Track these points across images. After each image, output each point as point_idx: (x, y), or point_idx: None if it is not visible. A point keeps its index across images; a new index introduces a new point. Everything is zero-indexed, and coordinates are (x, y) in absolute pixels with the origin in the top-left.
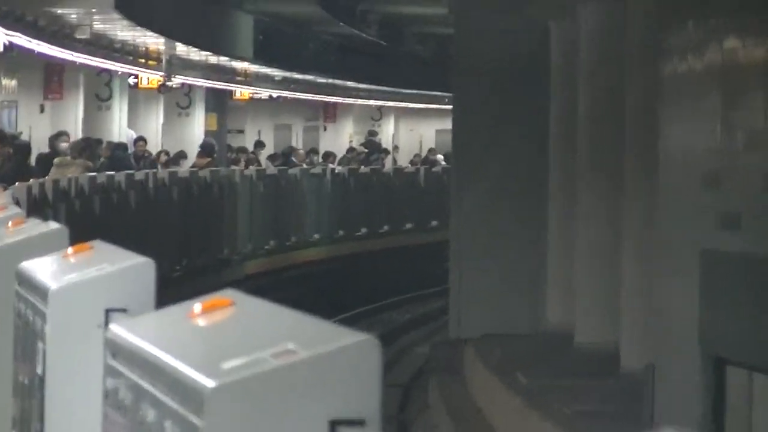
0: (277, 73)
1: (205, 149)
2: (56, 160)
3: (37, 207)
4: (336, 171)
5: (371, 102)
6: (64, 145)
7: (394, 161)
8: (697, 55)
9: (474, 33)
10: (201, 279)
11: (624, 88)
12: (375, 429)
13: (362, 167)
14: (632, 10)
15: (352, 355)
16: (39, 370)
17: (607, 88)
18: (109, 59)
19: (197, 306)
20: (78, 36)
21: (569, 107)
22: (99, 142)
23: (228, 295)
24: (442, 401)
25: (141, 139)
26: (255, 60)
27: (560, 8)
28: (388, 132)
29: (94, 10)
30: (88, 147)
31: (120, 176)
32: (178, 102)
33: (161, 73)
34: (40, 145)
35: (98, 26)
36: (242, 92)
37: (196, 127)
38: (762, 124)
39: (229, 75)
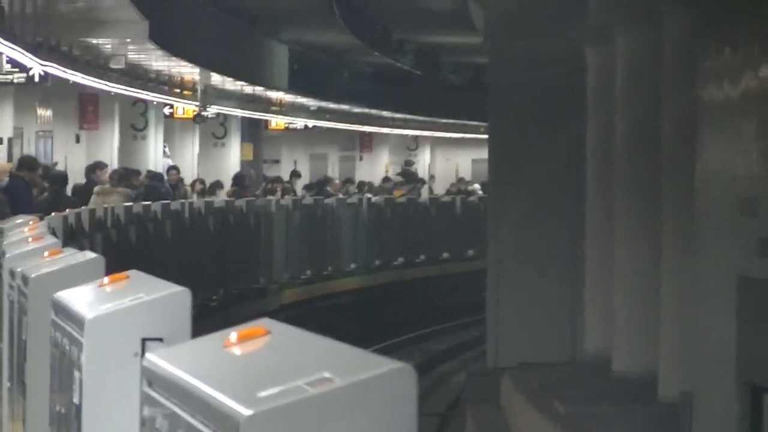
0: (312, 102)
1: (234, 179)
2: (97, 189)
3: (73, 237)
4: (372, 200)
5: (407, 131)
6: (104, 177)
7: (431, 191)
8: (733, 80)
9: (509, 61)
10: (237, 308)
11: (661, 114)
12: None
13: (398, 198)
14: (669, 36)
15: (388, 383)
16: (76, 399)
17: (643, 114)
18: (143, 89)
19: (233, 335)
20: (113, 66)
21: (606, 133)
22: (136, 172)
23: (264, 323)
24: (479, 430)
25: (173, 168)
26: (290, 89)
27: (596, 34)
28: (424, 161)
29: (128, 39)
30: (128, 175)
31: (156, 206)
32: (214, 132)
33: (196, 103)
34: (75, 175)
35: (133, 56)
36: (277, 122)
37: (232, 156)
38: None
39: (265, 105)
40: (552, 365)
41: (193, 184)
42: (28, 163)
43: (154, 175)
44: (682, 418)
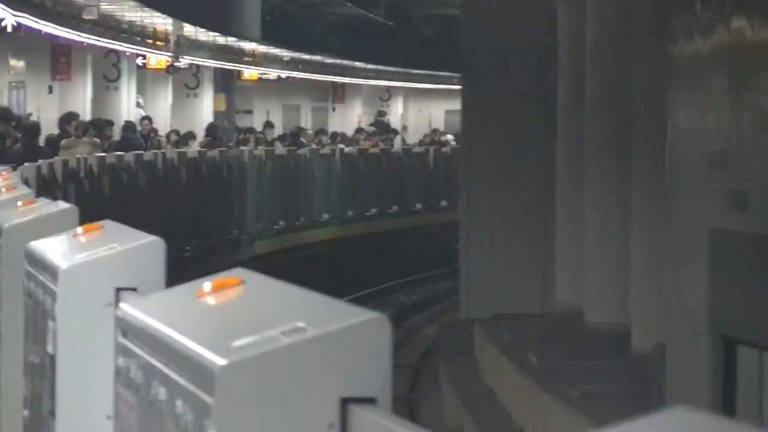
0: (285, 53)
1: (207, 130)
2: (62, 142)
3: (46, 187)
4: (345, 151)
5: (380, 82)
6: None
7: (403, 141)
8: (704, 36)
9: (481, 13)
10: (210, 259)
11: (631, 70)
12: (386, 407)
13: (370, 149)
14: None
15: (362, 333)
16: (50, 349)
17: (614, 70)
18: (116, 40)
19: (207, 285)
20: (85, 17)
21: (576, 89)
22: (109, 122)
23: (238, 273)
24: (452, 382)
25: (146, 118)
26: (263, 40)
27: None
28: (397, 112)
29: None
30: (99, 126)
31: (129, 156)
32: (187, 83)
33: (169, 54)
34: (49, 127)
35: (105, 7)
36: (250, 73)
37: (205, 107)
38: None
39: (238, 55)
40: (524, 317)
41: (168, 135)
42: (2, 114)
43: (127, 126)
44: (655, 371)
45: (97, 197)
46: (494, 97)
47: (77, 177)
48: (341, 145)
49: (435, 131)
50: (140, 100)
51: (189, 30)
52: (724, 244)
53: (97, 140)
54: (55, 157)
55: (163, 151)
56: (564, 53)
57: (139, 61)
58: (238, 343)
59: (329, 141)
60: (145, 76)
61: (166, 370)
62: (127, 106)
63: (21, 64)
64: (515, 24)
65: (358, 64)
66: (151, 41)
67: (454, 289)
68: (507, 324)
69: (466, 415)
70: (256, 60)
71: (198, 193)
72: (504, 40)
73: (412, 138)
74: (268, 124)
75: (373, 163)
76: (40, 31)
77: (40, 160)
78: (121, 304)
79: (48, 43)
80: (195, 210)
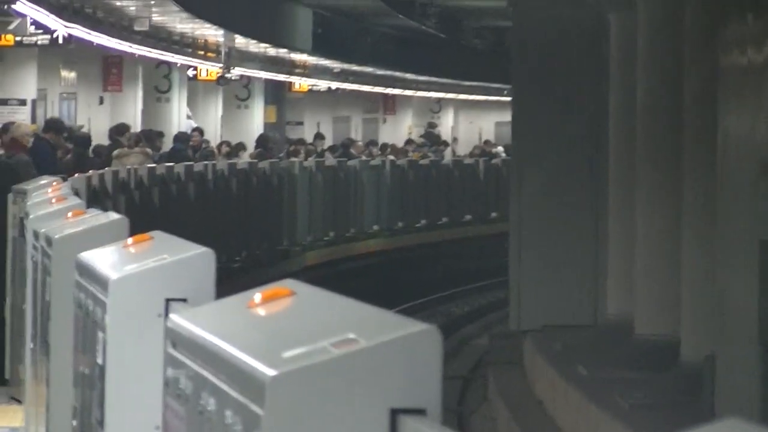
0: (335, 65)
1: (258, 141)
2: (114, 152)
3: (96, 198)
4: (396, 162)
5: (430, 94)
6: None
7: (454, 153)
8: (755, 46)
9: (532, 25)
10: (260, 270)
11: (682, 79)
12: (435, 418)
13: (421, 159)
14: (691, 1)
15: (412, 345)
16: (99, 360)
17: (665, 79)
18: (167, 51)
19: (257, 296)
20: (136, 28)
21: (628, 97)
22: (160, 134)
23: (288, 284)
24: (501, 393)
25: (196, 130)
26: (313, 52)
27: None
28: (447, 124)
29: (152, 1)
30: (151, 137)
31: (179, 167)
32: (237, 94)
33: (220, 65)
34: (99, 138)
35: (157, 18)
36: (301, 84)
37: (255, 119)
38: None
39: (288, 67)
40: (574, 328)
41: (219, 147)
42: (54, 125)
43: (178, 137)
44: (705, 382)
45: (147, 208)
46: (544, 109)
47: (127, 188)
48: (391, 157)
49: (486, 143)
50: (189, 112)
51: (240, 41)
52: None
53: (149, 150)
54: (106, 168)
55: (213, 162)
56: (615, 63)
57: (190, 72)
58: (288, 354)
59: (379, 152)
60: (195, 88)
61: (216, 381)
62: (177, 117)
63: (72, 75)
64: (566, 35)
65: (408, 75)
66: (202, 52)
67: (504, 300)
68: (557, 335)
69: (516, 426)
70: (307, 71)
71: (248, 204)
72: (555, 52)
73: (463, 149)
74: (319, 136)
75: (423, 175)
76: (92, 42)
77: (90, 171)
78: (171, 315)
79: (99, 54)
80: (245, 221)
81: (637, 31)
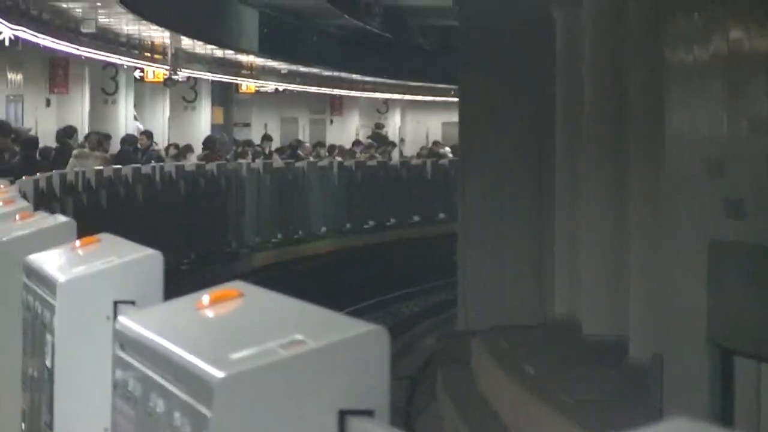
0: (282, 66)
1: (205, 143)
2: (75, 152)
3: (44, 201)
4: (343, 164)
5: (377, 95)
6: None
7: (401, 154)
8: (701, 43)
9: (478, 24)
10: (208, 272)
11: (628, 76)
12: (384, 419)
13: (368, 160)
14: None
15: (360, 346)
16: (48, 363)
17: (611, 76)
18: (114, 53)
19: (205, 297)
20: (83, 30)
21: (573, 96)
22: (107, 136)
23: (236, 286)
24: (449, 393)
25: (143, 133)
26: (260, 53)
27: None
28: (394, 124)
29: (98, 3)
30: (105, 139)
31: (127, 170)
32: (184, 96)
33: (167, 67)
34: (46, 139)
35: (103, 20)
36: (248, 85)
37: (203, 120)
38: (767, 111)
39: (235, 68)
40: (522, 328)
41: (167, 149)
42: (1, 127)
43: (123, 139)
44: (653, 380)
45: (95, 211)
46: (491, 109)
47: (75, 190)
48: (339, 158)
49: (435, 143)
50: (136, 114)
51: (187, 43)
52: (721, 253)
53: (108, 156)
54: (54, 171)
55: (161, 164)
56: (561, 61)
57: (137, 74)
58: (236, 355)
59: (327, 154)
60: (142, 89)
61: (165, 383)
62: (124, 119)
63: (19, 77)
64: (512, 34)
65: (355, 76)
66: (149, 54)
67: (452, 301)
68: (504, 335)
69: (463, 425)
70: (254, 73)
71: (196, 206)
72: (501, 51)
73: (410, 150)
74: (266, 137)
75: (371, 176)
76: (38, 44)
77: (38, 174)
78: (120, 317)
79: (46, 56)
80: (193, 223)
81: (583, 29)
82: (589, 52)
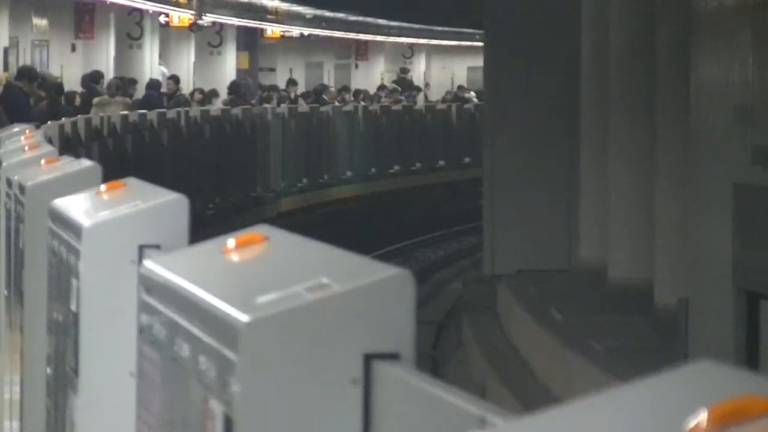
0: (307, 11)
1: (230, 88)
2: (95, 100)
3: (69, 146)
4: (368, 108)
5: (402, 39)
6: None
7: (426, 98)
8: None
9: None
10: (234, 217)
11: (655, 25)
12: (409, 363)
13: (394, 105)
14: None
15: (386, 289)
16: (73, 307)
17: (639, 25)
18: None
19: (231, 241)
20: None
21: (601, 44)
22: (132, 81)
23: (262, 230)
24: (476, 338)
25: (171, 78)
26: None
27: None
28: (419, 69)
29: None
30: (124, 85)
31: (152, 115)
32: (210, 41)
33: (192, 12)
34: (72, 85)
35: None
36: (273, 31)
37: (228, 65)
38: None
39: (261, 13)
40: (548, 273)
41: (192, 94)
42: (27, 73)
43: (151, 84)
44: (679, 325)
45: (120, 156)
46: (517, 54)
47: (101, 135)
48: (364, 103)
49: (460, 88)
50: (161, 58)
51: None
52: (748, 198)
53: (129, 100)
54: (79, 116)
55: (186, 109)
56: (588, 8)
57: (162, 19)
58: (261, 299)
59: (352, 98)
60: (168, 35)
61: (190, 327)
62: (150, 64)
63: (44, 22)
64: None
65: (381, 21)
66: None
67: (478, 245)
68: (531, 280)
69: (491, 371)
70: (279, 18)
71: (221, 151)
72: None
73: (435, 95)
74: (291, 82)
75: (396, 120)
76: None
77: (63, 119)
78: (145, 261)
79: (71, 1)
80: (218, 168)
81: None
82: (616, 3)
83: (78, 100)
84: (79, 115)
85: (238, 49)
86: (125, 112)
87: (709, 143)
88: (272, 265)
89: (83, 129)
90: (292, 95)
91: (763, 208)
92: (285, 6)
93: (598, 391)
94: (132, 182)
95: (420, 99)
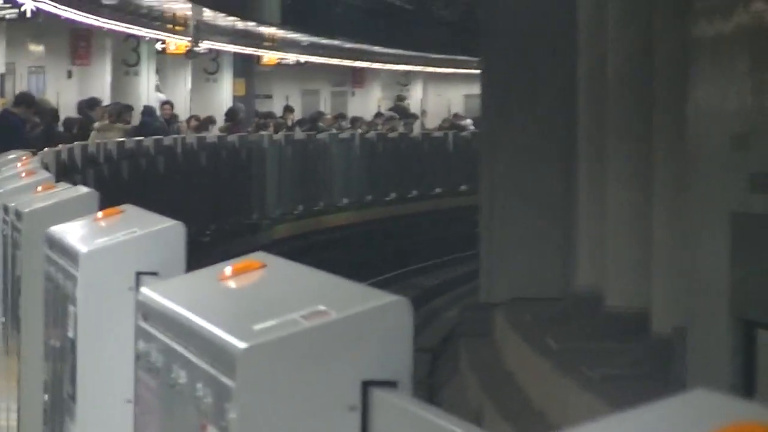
0: (304, 38)
1: (227, 114)
2: (96, 125)
3: (66, 172)
4: (365, 136)
5: (399, 67)
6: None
7: (422, 126)
8: (726, 16)
9: None
10: (230, 243)
11: (653, 51)
12: (407, 390)
13: (390, 132)
14: None
15: (383, 316)
16: (70, 334)
17: (635, 49)
18: (135, 24)
19: (228, 268)
20: (105, 1)
21: (597, 68)
22: (128, 108)
23: (259, 257)
24: (472, 365)
25: (167, 103)
26: (282, 25)
27: None
28: (416, 97)
29: None
30: (125, 111)
31: (149, 141)
32: (206, 68)
33: (189, 39)
34: (68, 111)
35: None
36: (270, 57)
37: (224, 92)
38: None
39: (257, 40)
40: (545, 300)
41: (188, 121)
42: (25, 99)
43: (146, 110)
44: (676, 354)
45: (116, 182)
46: (514, 80)
47: (97, 162)
48: (360, 130)
49: (456, 115)
50: (159, 84)
51: (208, 14)
52: (745, 226)
53: (128, 126)
54: (75, 142)
55: (182, 136)
56: (584, 32)
57: (159, 45)
58: (259, 326)
59: (349, 126)
60: (164, 61)
61: (187, 354)
62: (146, 90)
63: (40, 48)
64: (535, 4)
65: (377, 48)
66: (170, 26)
67: (474, 273)
68: (527, 307)
69: (486, 398)
70: (276, 45)
71: (218, 178)
72: (524, 21)
73: (432, 123)
74: (288, 109)
75: (393, 148)
76: (60, 15)
77: (59, 145)
78: (142, 288)
79: (67, 27)
80: (215, 194)
81: (608, 1)
82: (613, 25)
83: (76, 128)
84: (75, 142)
85: (234, 75)
86: (122, 139)
87: (706, 170)
88: (269, 292)
89: (79, 155)
90: (289, 122)
91: (760, 236)
92: (281, 33)
93: (594, 418)
94: (129, 209)
95: (416, 126)
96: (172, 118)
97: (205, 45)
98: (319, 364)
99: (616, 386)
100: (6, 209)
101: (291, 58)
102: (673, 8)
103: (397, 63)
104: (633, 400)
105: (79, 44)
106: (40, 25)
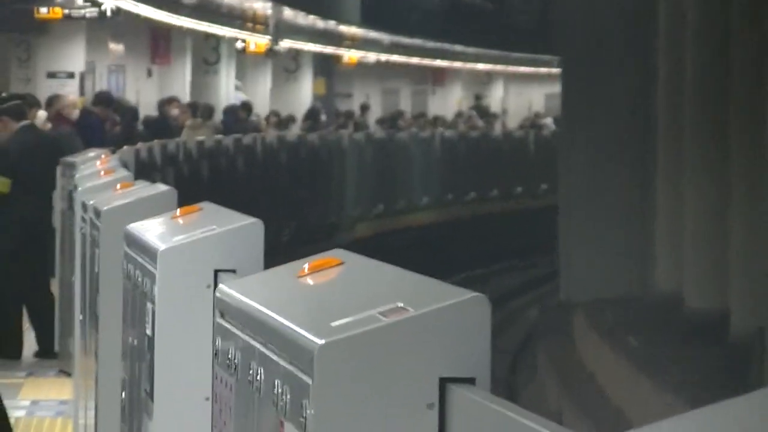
0: (385, 37)
1: (307, 114)
2: (188, 123)
3: (145, 171)
4: (445, 134)
5: (480, 65)
6: (174, 111)
7: (503, 125)
8: None
9: None
10: (309, 243)
11: (731, 45)
12: (485, 387)
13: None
14: None
15: (461, 313)
16: (148, 332)
17: (714, 45)
18: (216, 23)
19: (306, 266)
20: (185, 1)
21: (677, 70)
22: (209, 107)
23: (337, 254)
24: (552, 365)
25: (242, 108)
26: (362, 24)
27: None
28: (496, 96)
29: None
30: (192, 110)
31: (228, 140)
32: (286, 66)
33: (269, 38)
34: (148, 110)
35: None
36: (350, 56)
37: (304, 91)
38: None
39: (337, 39)
40: (625, 299)
41: (267, 118)
42: (105, 98)
43: (225, 110)
44: (754, 355)
45: (195, 181)
46: (593, 80)
47: (176, 160)
48: (440, 129)
49: (537, 115)
50: (239, 83)
51: (289, 14)
52: None
53: (219, 125)
54: (155, 141)
55: (262, 135)
56: (664, 33)
57: (239, 44)
58: (336, 323)
59: (429, 124)
60: (244, 60)
61: (265, 351)
62: (226, 89)
63: (120, 47)
64: (614, 5)
65: (458, 47)
66: (250, 25)
67: (555, 273)
68: (607, 308)
69: (566, 398)
70: (356, 44)
71: (297, 177)
72: (603, 22)
73: (512, 122)
74: (367, 107)
75: (473, 147)
76: (140, 15)
77: (138, 144)
78: (220, 286)
79: (148, 26)
80: (294, 193)
81: (688, 1)
82: (693, 24)
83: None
84: (155, 140)
85: (314, 74)
86: (200, 138)
87: None
88: (347, 289)
89: (159, 154)
90: (368, 121)
91: None
92: (362, 32)
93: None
94: (207, 206)
95: (497, 125)
96: (246, 122)
97: (284, 44)
98: (397, 361)
99: (695, 387)
100: (85, 207)
101: (371, 57)
102: (751, 7)
103: (478, 62)
104: (712, 401)
105: (158, 43)
106: (120, 24)
